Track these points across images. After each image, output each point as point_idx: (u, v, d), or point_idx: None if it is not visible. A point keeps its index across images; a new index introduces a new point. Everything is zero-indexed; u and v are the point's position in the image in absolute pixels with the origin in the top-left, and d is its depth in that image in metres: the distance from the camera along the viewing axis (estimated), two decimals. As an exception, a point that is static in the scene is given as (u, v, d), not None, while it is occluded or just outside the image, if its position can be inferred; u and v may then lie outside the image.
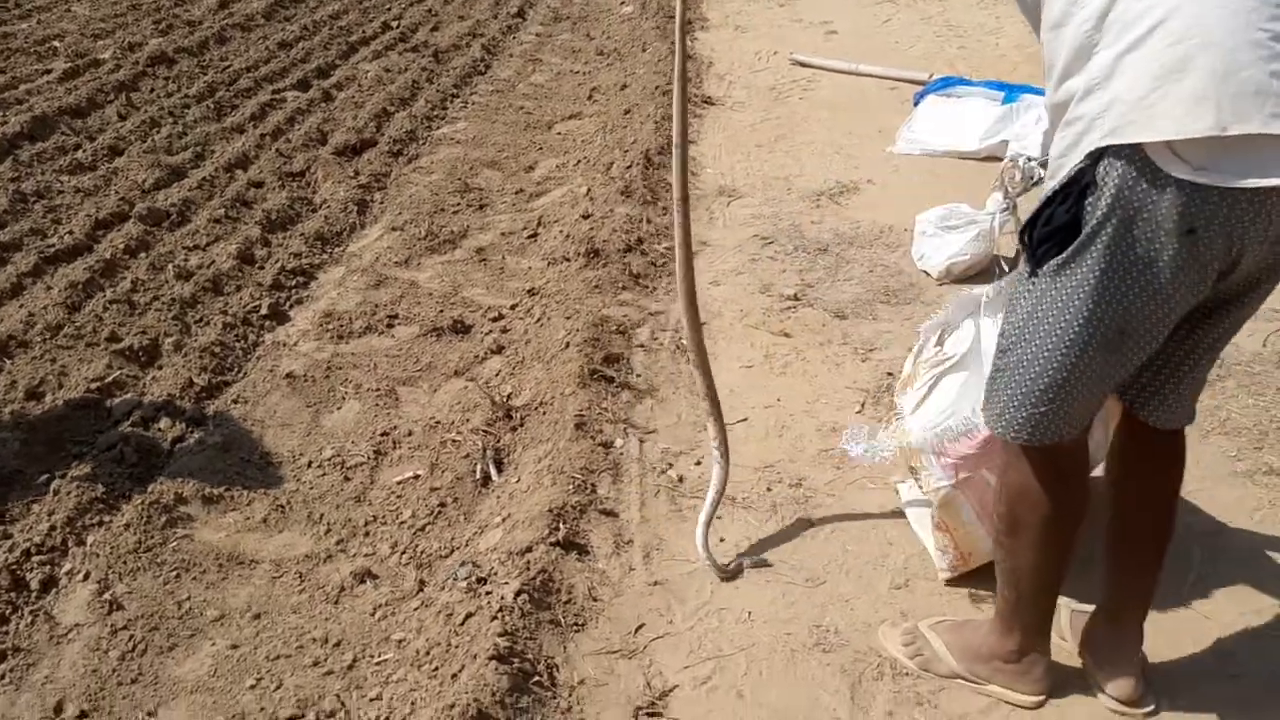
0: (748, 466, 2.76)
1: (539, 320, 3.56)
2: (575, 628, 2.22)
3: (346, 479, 2.88)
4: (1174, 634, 2.20)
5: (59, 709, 2.16)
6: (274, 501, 2.78)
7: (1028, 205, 3.69)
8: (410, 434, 3.04)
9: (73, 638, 2.33)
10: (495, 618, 2.13)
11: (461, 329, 3.61)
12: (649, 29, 7.17)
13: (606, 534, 2.49)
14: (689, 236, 2.33)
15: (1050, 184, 1.61)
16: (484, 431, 2.92)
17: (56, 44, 6.53)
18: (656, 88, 5.67)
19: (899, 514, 2.56)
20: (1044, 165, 4.15)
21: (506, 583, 2.20)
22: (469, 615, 2.18)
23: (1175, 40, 1.43)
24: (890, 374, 3.14)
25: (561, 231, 4.28)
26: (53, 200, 4.38)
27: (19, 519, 2.67)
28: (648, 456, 2.80)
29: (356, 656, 2.28)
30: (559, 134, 5.59)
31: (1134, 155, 1.47)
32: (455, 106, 5.97)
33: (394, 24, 7.51)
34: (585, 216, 4.28)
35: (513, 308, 3.75)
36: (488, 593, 2.21)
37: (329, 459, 2.96)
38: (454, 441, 2.95)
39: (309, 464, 2.95)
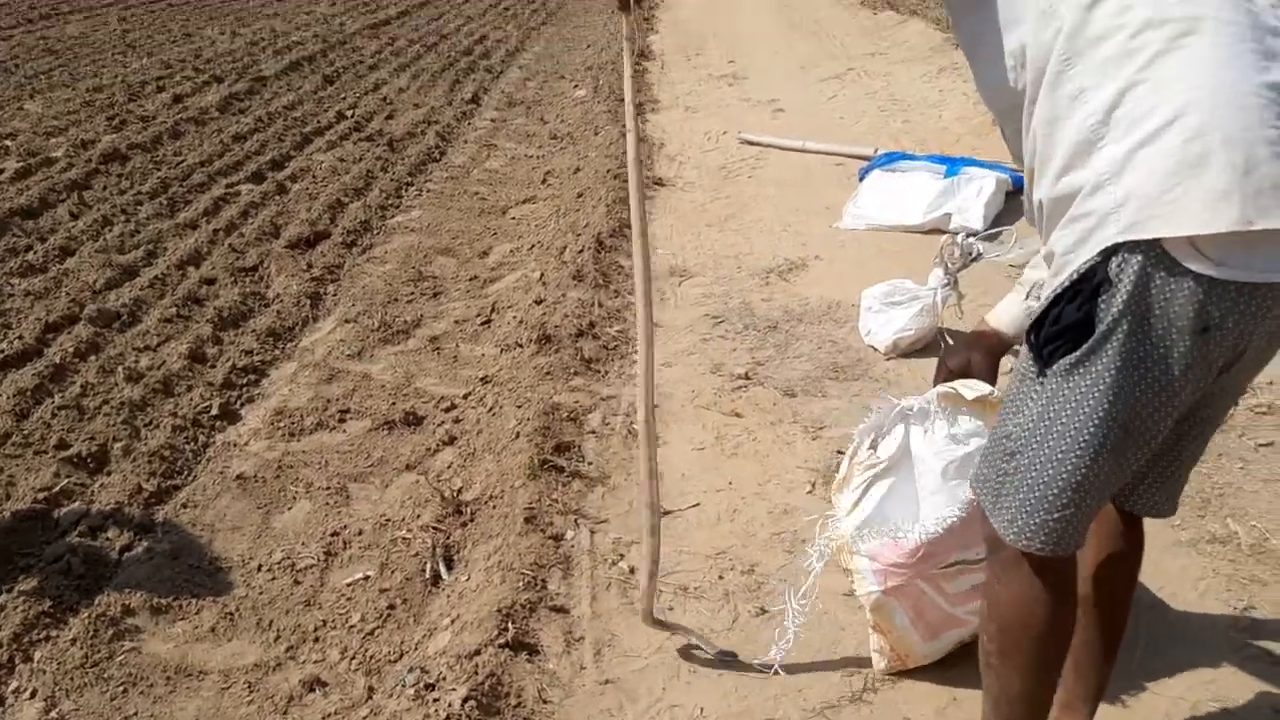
0: (699, 554, 2.76)
1: (491, 409, 3.57)
2: (525, 732, 2.20)
3: (296, 582, 2.85)
4: (1123, 715, 2.21)
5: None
6: (223, 609, 2.75)
7: (968, 279, 3.80)
8: (361, 533, 3.02)
9: (14, 761, 2.28)
10: (443, 726, 2.10)
11: (414, 421, 3.61)
12: (601, 112, 7.31)
13: (557, 632, 2.47)
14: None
15: (1056, 281, 1.54)
16: (434, 528, 2.91)
17: (9, 143, 6.57)
18: (608, 170, 5.76)
19: (850, 597, 2.56)
20: (987, 239, 4.25)
21: (454, 689, 2.18)
22: (416, 724, 2.15)
23: (1192, 136, 1.41)
24: (840, 451, 3.16)
25: (515, 317, 4.31)
26: (2, 304, 4.37)
27: (-36, 637, 2.62)
28: (599, 548, 2.79)
29: (304, 770, 2.24)
30: (513, 219, 5.66)
31: (1152, 251, 1.42)
32: (410, 194, 6.03)
33: (349, 113, 7.61)
34: (538, 302, 4.32)
35: (465, 397, 3.76)
36: (435, 700, 2.18)
37: (279, 562, 2.93)
38: (404, 539, 2.93)
39: (259, 568, 2.92)
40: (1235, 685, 2.29)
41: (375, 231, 5.42)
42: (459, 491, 3.09)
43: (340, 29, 10.93)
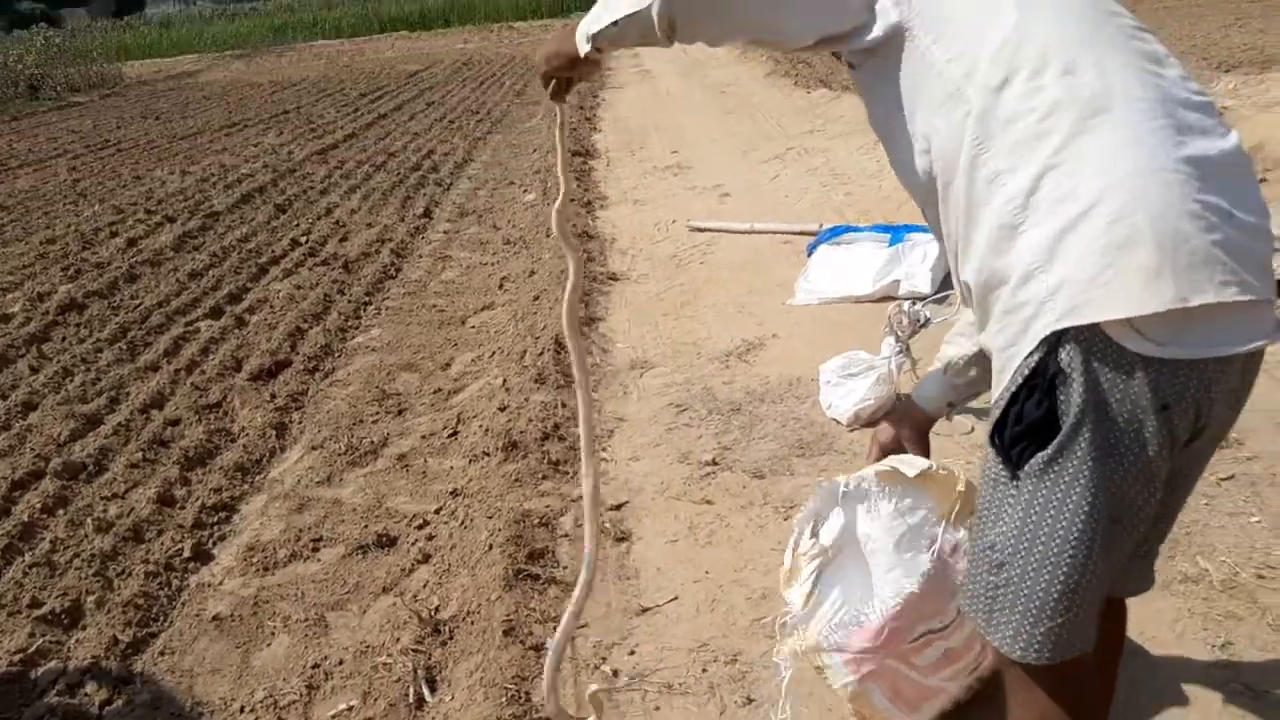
0: (681, 648, 2.75)
1: (463, 523, 3.57)
2: None
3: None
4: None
5: None
6: (206, 757, 2.71)
7: (920, 344, 3.87)
8: (341, 662, 3.00)
9: None
10: None
11: (387, 542, 3.60)
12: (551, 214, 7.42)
13: (544, 745, 2.46)
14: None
15: (1005, 379, 1.50)
16: (414, 650, 2.89)
17: (-35, 304, 6.58)
18: (562, 270, 5.84)
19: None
20: (936, 302, 4.34)
21: (444, 815, 2.15)
22: None
23: (1115, 218, 1.39)
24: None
25: (480, 426, 4.33)
26: (-35, 466, 4.35)
27: (-61, 818, 2.57)
28: (580, 653, 2.78)
29: None
30: (473, 327, 5.72)
31: (1094, 337, 1.41)
32: (368, 314, 6.09)
33: (303, 239, 7.68)
34: (502, 408, 4.35)
35: (437, 512, 3.76)
36: (426, 828, 2.15)
37: (261, 701, 2.89)
38: (385, 665, 2.91)
39: (241, 709, 2.88)
40: (1221, 724, 2.30)
41: (336, 354, 5.45)
42: (436, 610, 3.08)
43: (289, 157, 11.09)
